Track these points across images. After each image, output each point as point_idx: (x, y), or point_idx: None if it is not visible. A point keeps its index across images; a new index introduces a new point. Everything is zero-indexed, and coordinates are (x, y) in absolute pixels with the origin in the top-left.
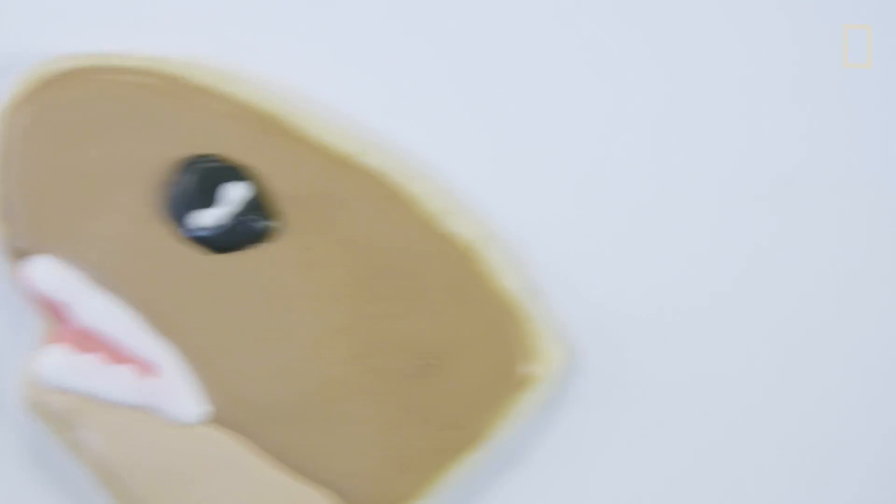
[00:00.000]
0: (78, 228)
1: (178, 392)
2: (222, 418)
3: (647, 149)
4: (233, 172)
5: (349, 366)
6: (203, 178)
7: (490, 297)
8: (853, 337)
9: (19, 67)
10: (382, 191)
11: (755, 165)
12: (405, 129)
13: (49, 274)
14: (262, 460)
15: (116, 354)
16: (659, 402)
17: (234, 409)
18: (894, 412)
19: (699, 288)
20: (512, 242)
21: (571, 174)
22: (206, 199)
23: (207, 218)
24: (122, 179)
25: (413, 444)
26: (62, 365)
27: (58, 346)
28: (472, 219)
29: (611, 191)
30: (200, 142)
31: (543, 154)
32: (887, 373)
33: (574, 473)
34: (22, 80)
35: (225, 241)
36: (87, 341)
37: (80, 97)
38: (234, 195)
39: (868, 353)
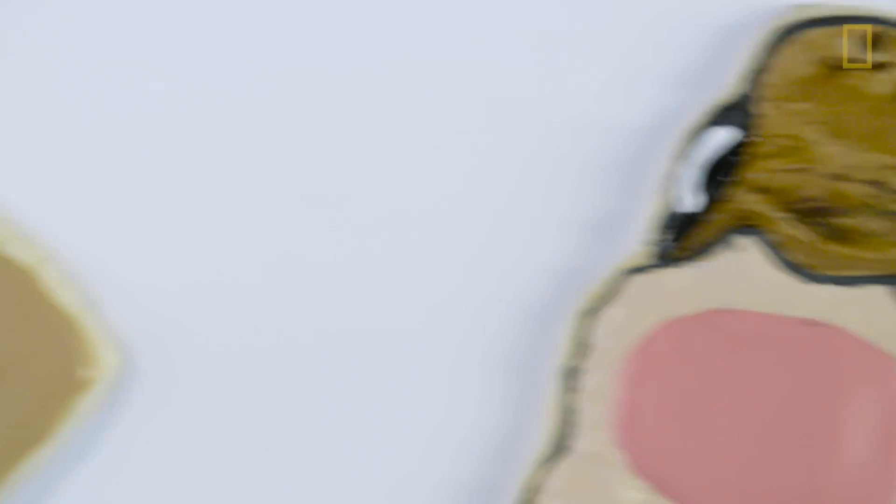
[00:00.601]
0: None
1: None
2: None
3: (196, 163)
4: None
5: None
6: None
7: (49, 311)
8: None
9: None
10: None
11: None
12: None
13: None
14: None
15: None
16: (207, 401)
17: None
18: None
19: (243, 293)
20: (69, 260)
21: (120, 192)
22: None
23: None
24: None
25: None
26: None
27: None
28: (31, 243)
29: (158, 202)
30: None
31: (95, 175)
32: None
33: (134, 467)
34: None
35: None
36: None
37: None
38: None
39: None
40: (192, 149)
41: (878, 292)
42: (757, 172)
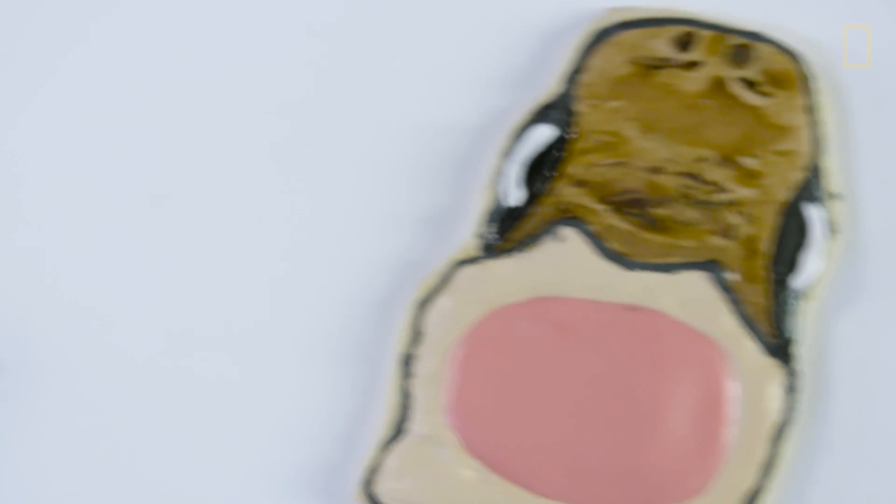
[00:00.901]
0: None
1: None
2: None
3: (53, 157)
4: None
5: None
6: None
7: None
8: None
9: None
10: None
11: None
12: None
13: None
14: None
15: None
16: (66, 397)
17: None
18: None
19: (100, 292)
20: None
21: None
22: None
23: None
24: None
25: None
26: None
27: None
28: None
29: (15, 202)
30: None
31: None
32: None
33: None
34: None
35: None
36: None
37: None
38: None
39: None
40: (46, 150)
41: (694, 277)
42: (577, 167)
